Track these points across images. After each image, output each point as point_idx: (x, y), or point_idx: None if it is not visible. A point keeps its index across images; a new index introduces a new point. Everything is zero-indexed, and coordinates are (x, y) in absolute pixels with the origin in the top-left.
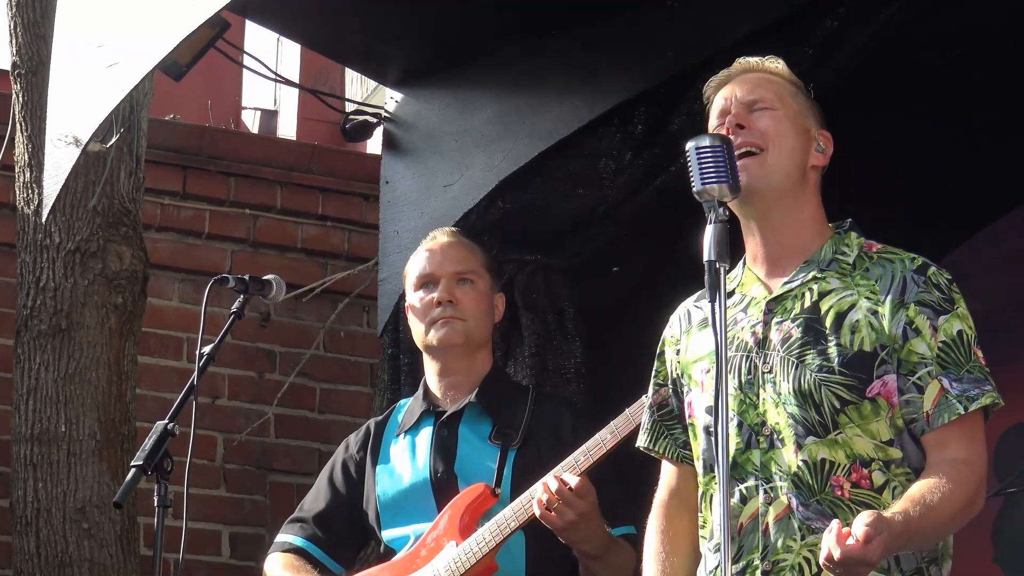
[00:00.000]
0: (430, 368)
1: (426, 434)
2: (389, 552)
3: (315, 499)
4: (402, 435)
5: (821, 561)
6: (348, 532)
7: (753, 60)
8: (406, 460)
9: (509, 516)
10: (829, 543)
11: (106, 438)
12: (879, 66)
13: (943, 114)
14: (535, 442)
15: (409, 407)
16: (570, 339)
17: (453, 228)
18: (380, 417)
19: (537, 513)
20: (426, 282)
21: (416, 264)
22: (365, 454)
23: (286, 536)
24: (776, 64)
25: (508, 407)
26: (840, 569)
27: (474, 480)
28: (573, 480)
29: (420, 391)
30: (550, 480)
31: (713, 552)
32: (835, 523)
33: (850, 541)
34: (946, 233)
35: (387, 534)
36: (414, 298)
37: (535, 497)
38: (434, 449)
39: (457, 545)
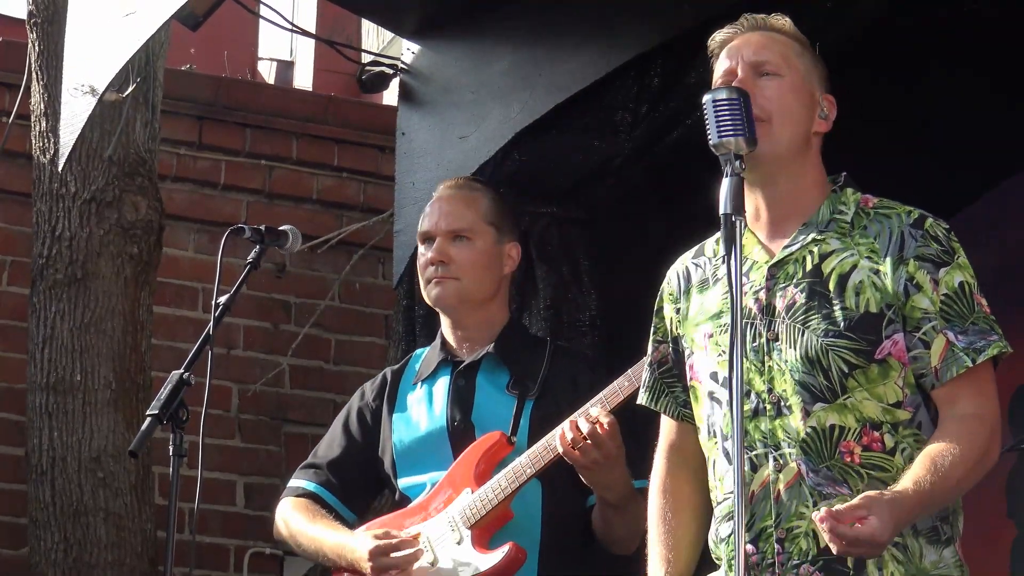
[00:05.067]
0: (444, 321)
1: (443, 383)
2: (404, 500)
3: (329, 446)
4: (419, 384)
5: (833, 549)
6: (362, 479)
7: (759, 17)
8: (423, 409)
9: (525, 463)
10: (829, 530)
11: (121, 388)
12: (892, 23)
13: (956, 68)
14: (552, 394)
15: (426, 356)
16: (585, 291)
17: (461, 179)
18: (396, 366)
19: (560, 450)
20: (424, 239)
21: (421, 218)
22: (381, 402)
23: (299, 481)
24: (783, 22)
25: (525, 359)
26: (850, 552)
27: (491, 429)
28: (605, 419)
29: (437, 341)
30: (579, 419)
31: (724, 520)
32: (818, 515)
33: (856, 525)
34: (963, 186)
35: (403, 482)
36: (418, 253)
37: (560, 433)
38: (451, 398)
39: (472, 492)
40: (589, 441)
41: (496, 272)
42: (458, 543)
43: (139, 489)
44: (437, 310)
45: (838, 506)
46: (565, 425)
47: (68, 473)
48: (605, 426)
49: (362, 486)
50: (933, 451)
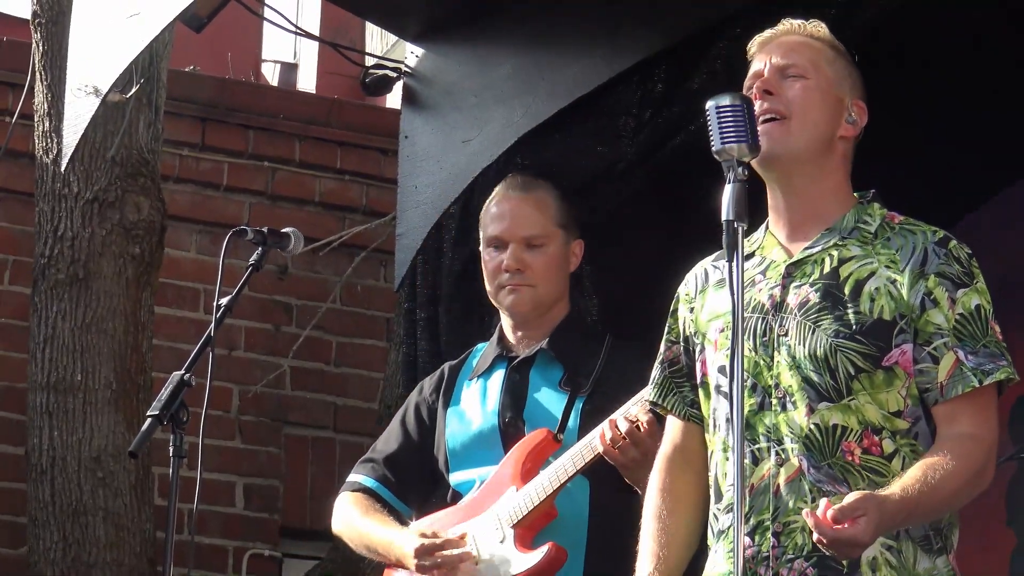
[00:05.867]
0: (506, 320)
1: (498, 379)
2: (456, 496)
3: (387, 441)
4: (475, 379)
5: (815, 539)
6: (418, 475)
7: (796, 22)
8: (476, 404)
9: (567, 461)
10: (813, 527)
11: (122, 388)
12: (899, 26)
13: (959, 73)
14: (604, 390)
15: (484, 351)
16: (587, 297)
17: (525, 178)
18: (455, 361)
19: (600, 449)
20: (495, 244)
21: (487, 219)
22: (437, 397)
23: (357, 476)
24: (819, 28)
25: (581, 354)
26: (831, 550)
27: (542, 426)
28: (644, 418)
29: (495, 335)
30: (619, 418)
31: (724, 512)
32: (807, 511)
33: (843, 524)
34: (964, 195)
35: (454, 478)
36: (485, 253)
37: (600, 432)
38: (504, 394)
39: (517, 490)
40: (628, 440)
41: (566, 273)
42: (501, 542)
43: (139, 489)
44: (504, 313)
45: (837, 505)
46: (605, 424)
47: (68, 473)
48: (644, 425)
49: (418, 481)
50: (926, 463)
